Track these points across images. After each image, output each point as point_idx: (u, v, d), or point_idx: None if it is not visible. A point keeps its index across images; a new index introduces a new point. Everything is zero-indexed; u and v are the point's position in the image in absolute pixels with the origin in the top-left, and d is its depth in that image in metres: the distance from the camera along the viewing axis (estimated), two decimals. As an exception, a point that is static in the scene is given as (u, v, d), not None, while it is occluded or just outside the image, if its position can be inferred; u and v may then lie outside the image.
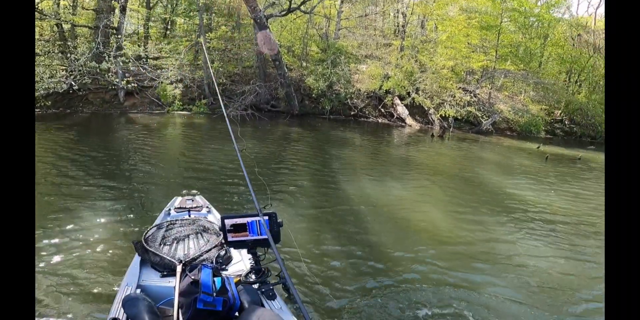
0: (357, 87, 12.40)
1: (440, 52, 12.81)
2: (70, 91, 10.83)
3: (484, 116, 12.78)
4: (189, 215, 2.52)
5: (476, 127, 12.96)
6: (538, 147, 10.61)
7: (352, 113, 12.67)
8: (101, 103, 12.27)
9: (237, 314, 1.51)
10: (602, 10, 24.94)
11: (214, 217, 2.56)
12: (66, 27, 12.77)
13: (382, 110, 12.91)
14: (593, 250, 3.62)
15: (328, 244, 3.31)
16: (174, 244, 2.09)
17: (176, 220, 2.36)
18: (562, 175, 7.28)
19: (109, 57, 10.84)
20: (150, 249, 2.00)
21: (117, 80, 11.31)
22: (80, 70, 10.82)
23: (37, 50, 10.90)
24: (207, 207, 2.72)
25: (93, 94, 12.37)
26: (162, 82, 12.08)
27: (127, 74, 12.38)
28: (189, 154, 6.73)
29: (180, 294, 1.53)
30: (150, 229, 2.24)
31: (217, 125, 10.42)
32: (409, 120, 12.59)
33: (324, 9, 13.08)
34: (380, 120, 12.80)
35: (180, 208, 2.64)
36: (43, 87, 10.13)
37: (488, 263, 3.18)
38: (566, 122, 14.82)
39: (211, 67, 11.80)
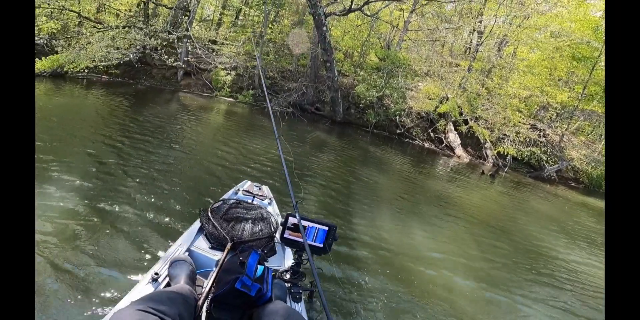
0: (409, 105, 11.47)
1: (514, 79, 11.33)
2: (137, 64, 11.55)
3: (550, 160, 11.11)
4: (253, 201, 2.59)
5: (536, 171, 11.32)
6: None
7: (398, 131, 11.77)
8: (161, 79, 12.93)
9: (262, 304, 1.52)
10: None
11: (273, 210, 2.61)
12: (151, 5, 13.58)
13: (432, 134, 11.83)
14: None
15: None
16: (232, 222, 2.15)
17: (241, 201, 2.42)
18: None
19: (175, 37, 11.32)
20: (212, 220, 2.09)
21: (171, 59, 11.67)
22: (144, 46, 11.42)
23: (117, 24, 11.73)
24: (269, 198, 2.81)
25: (157, 70, 13.08)
26: (216, 67, 12.34)
27: (190, 55, 12.88)
28: (225, 142, 6.60)
29: (222, 270, 1.58)
30: (218, 201, 2.34)
31: (257, 117, 10.29)
32: (459, 151, 11.38)
33: (391, 17, 12.24)
34: (426, 145, 11.74)
35: (247, 191, 2.77)
36: (108, 57, 10.87)
37: None
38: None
39: (264, 59, 11.84)
